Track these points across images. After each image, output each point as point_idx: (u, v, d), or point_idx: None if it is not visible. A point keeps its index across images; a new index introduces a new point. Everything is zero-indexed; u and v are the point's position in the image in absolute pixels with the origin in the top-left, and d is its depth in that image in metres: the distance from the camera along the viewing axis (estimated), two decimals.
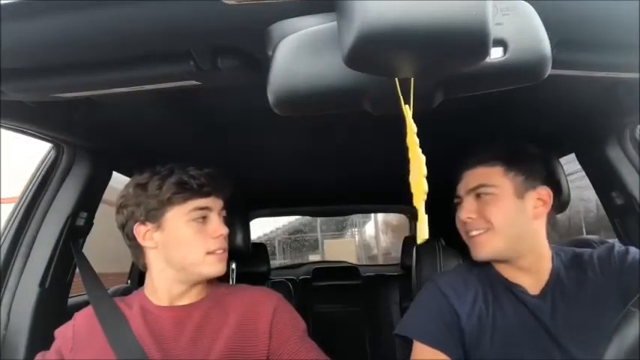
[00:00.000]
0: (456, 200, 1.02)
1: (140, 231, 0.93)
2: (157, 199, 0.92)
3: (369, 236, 12.05)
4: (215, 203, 0.95)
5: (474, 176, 0.98)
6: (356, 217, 11.13)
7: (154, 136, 1.19)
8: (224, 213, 0.99)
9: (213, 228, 0.94)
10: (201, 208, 0.93)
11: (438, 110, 0.59)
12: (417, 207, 0.49)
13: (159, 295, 0.96)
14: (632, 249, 0.94)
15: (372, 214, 10.50)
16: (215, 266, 0.93)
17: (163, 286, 0.95)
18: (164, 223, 0.92)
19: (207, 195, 0.94)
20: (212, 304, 0.97)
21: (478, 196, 0.96)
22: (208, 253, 0.92)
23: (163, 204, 0.92)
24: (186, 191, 0.92)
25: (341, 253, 8.39)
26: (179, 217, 0.92)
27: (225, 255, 0.96)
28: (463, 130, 1.19)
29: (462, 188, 1.00)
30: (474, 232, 0.96)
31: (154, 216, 0.92)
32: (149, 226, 0.93)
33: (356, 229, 12.10)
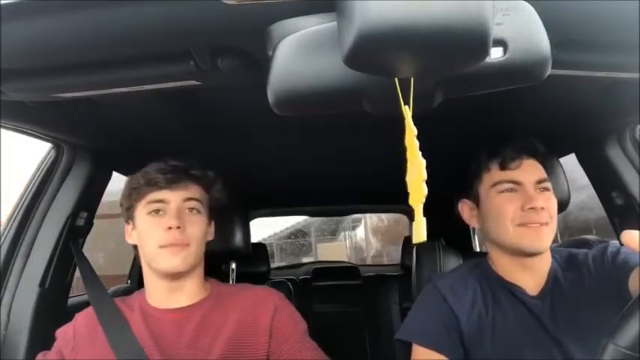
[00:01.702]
0: (507, 185, 0.95)
1: (127, 230, 0.99)
2: (125, 198, 0.98)
3: (360, 239, 12.48)
4: (171, 195, 0.94)
5: (536, 168, 0.96)
6: (347, 222, 11.49)
7: (154, 136, 1.19)
8: (191, 204, 0.96)
9: (166, 220, 0.92)
10: (155, 201, 0.94)
11: (437, 110, 0.59)
12: (414, 208, 0.49)
13: (154, 296, 0.97)
14: (624, 248, 0.94)
15: (363, 219, 10.84)
16: (169, 261, 0.91)
17: (152, 285, 0.97)
18: (135, 220, 0.96)
19: (159, 188, 0.94)
20: (213, 304, 0.97)
21: (542, 189, 0.95)
22: (161, 246, 0.91)
23: (129, 202, 0.97)
24: (139, 186, 0.95)
25: (333, 255, 8.79)
26: (139, 211, 0.95)
27: (185, 249, 0.92)
28: (463, 130, 1.19)
29: (523, 176, 0.95)
30: (534, 225, 0.92)
31: (129, 215, 0.98)
32: (130, 224, 0.98)
33: (347, 233, 12.46)
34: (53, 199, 1.16)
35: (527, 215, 0.92)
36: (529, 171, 0.96)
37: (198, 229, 0.96)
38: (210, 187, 1.00)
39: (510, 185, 0.95)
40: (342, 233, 12.42)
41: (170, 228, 0.91)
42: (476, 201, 1.02)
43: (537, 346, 0.90)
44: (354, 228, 12.30)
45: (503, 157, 0.96)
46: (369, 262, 10.61)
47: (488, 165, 0.99)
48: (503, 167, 0.96)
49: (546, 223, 0.92)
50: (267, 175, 1.77)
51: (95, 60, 0.66)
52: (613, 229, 1.29)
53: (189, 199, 0.96)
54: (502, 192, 0.96)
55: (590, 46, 0.66)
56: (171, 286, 0.95)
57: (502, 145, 0.98)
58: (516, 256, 0.96)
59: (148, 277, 0.97)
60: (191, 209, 0.96)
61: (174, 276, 0.94)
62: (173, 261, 0.91)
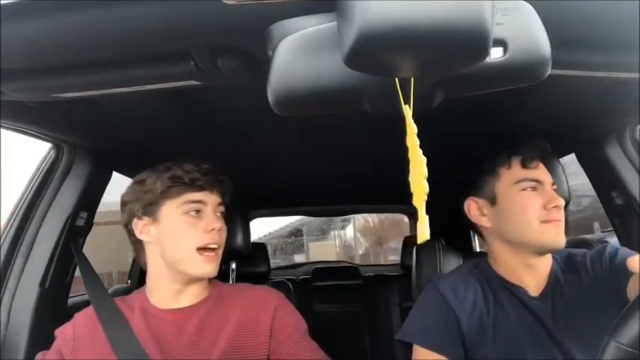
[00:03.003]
0: (530, 183, 0.96)
1: (138, 225, 0.96)
2: (152, 193, 0.94)
3: (349, 237, 13.13)
4: (210, 198, 0.95)
5: (545, 170, 0.99)
6: (337, 222, 11.96)
7: (154, 136, 1.19)
8: (221, 209, 0.99)
9: (206, 222, 0.93)
10: (195, 202, 0.94)
11: (438, 110, 0.59)
12: (417, 208, 0.49)
13: (158, 296, 0.96)
14: (622, 250, 0.94)
15: (352, 219, 11.41)
16: (204, 266, 0.92)
17: (161, 285, 0.96)
18: (159, 216, 0.94)
19: (200, 189, 0.94)
20: (213, 304, 0.97)
21: (554, 190, 0.97)
22: (199, 248, 0.92)
23: (158, 198, 0.94)
24: (180, 184, 0.93)
25: (324, 253, 9.70)
26: (172, 210, 0.93)
27: (218, 255, 0.95)
28: (463, 130, 1.18)
29: (543, 175, 0.97)
30: (557, 222, 0.94)
31: (150, 210, 0.94)
32: (146, 220, 0.95)
33: (337, 232, 12.92)
34: (53, 199, 1.16)
35: (551, 213, 0.93)
36: (545, 171, 0.98)
37: (225, 234, 0.98)
38: (226, 192, 1.01)
39: (533, 184, 0.96)
40: (332, 232, 12.86)
41: (212, 230, 0.93)
42: (489, 199, 1.01)
43: (538, 346, 0.90)
44: (343, 227, 12.80)
45: (524, 156, 0.98)
46: (357, 260, 11.10)
47: (509, 162, 0.99)
48: (524, 165, 0.97)
49: (562, 221, 0.94)
50: (267, 175, 1.77)
51: (95, 60, 0.66)
52: (614, 230, 1.29)
53: (220, 203, 0.98)
54: (525, 189, 0.96)
55: (590, 46, 0.66)
56: (182, 288, 0.95)
57: (521, 143, 0.99)
58: (532, 253, 0.96)
59: (160, 277, 0.96)
60: (221, 213, 0.98)
61: (198, 279, 0.96)
62: (206, 268, 0.93)
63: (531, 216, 0.94)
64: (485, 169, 1.01)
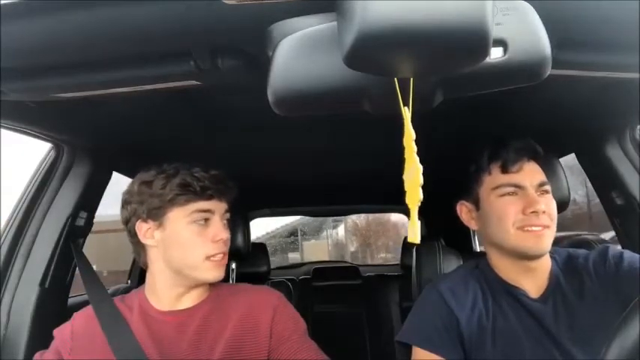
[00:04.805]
0: (509, 189, 0.94)
1: (142, 228, 0.93)
2: (160, 198, 0.91)
3: (340, 237, 13.57)
4: (218, 206, 0.94)
5: (536, 170, 0.96)
6: (328, 223, 12.34)
7: (154, 136, 1.19)
8: (227, 216, 0.98)
9: (214, 232, 0.93)
10: (203, 211, 0.92)
11: (437, 110, 0.59)
12: (410, 212, 0.49)
13: (159, 297, 0.96)
14: (626, 253, 0.93)
15: (343, 220, 11.71)
16: (212, 272, 0.92)
17: (163, 287, 0.95)
18: (165, 222, 0.92)
19: (209, 198, 0.93)
20: (213, 305, 0.97)
21: (542, 192, 0.94)
22: (207, 257, 0.92)
23: (165, 204, 0.91)
24: (189, 193, 0.91)
25: (316, 252, 10.16)
26: (180, 218, 0.92)
27: (225, 260, 0.95)
28: (463, 130, 1.19)
29: (524, 179, 0.94)
30: (535, 228, 0.91)
31: (155, 214, 0.92)
32: (150, 224, 0.93)
33: (329, 232, 13.24)
34: (53, 199, 1.15)
35: (529, 219, 0.91)
36: (530, 174, 0.95)
37: (228, 241, 0.97)
38: (232, 199, 1.00)
39: (512, 189, 0.94)
40: (324, 232, 13.18)
41: (220, 240, 0.92)
42: (475, 203, 1.01)
43: (538, 348, 0.89)
44: (334, 227, 13.17)
45: (504, 160, 0.95)
46: (347, 258, 11.39)
47: (489, 168, 0.98)
48: (504, 170, 0.95)
49: (547, 226, 0.92)
50: (267, 175, 1.77)
51: (95, 60, 0.66)
52: (614, 230, 1.29)
53: (227, 210, 0.97)
54: (503, 195, 0.95)
55: (590, 46, 0.66)
56: (184, 292, 0.95)
57: (502, 147, 0.97)
58: (517, 259, 0.95)
59: (163, 279, 0.95)
60: (227, 220, 0.98)
61: (204, 283, 0.96)
62: (215, 273, 0.93)
63: (508, 222, 0.93)
64: (470, 174, 1.01)
